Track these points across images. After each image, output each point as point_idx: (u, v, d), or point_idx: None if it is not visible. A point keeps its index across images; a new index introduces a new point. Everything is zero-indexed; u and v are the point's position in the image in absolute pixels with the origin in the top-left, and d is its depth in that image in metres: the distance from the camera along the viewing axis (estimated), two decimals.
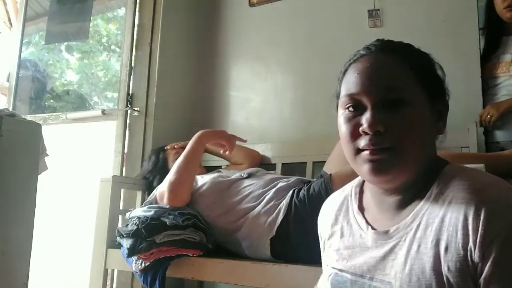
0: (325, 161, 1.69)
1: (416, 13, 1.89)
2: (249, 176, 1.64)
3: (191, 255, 1.45)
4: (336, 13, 2.08)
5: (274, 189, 1.50)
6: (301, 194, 1.42)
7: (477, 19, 1.76)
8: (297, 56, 2.17)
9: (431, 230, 0.61)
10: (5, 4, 3.30)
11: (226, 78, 2.36)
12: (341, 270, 0.73)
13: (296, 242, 1.36)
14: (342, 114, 0.70)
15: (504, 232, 0.54)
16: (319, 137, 1.96)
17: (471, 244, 0.56)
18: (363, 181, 0.78)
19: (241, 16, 2.35)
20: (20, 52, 2.63)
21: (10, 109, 1.89)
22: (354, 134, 0.66)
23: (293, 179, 1.56)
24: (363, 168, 0.65)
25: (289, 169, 1.95)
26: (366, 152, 0.65)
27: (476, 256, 0.55)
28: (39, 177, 1.28)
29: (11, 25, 3.26)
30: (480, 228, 0.55)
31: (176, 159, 1.62)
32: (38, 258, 1.39)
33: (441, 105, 0.70)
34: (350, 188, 0.81)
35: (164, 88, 2.18)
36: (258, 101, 2.25)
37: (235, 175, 1.65)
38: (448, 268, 0.57)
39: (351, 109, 0.68)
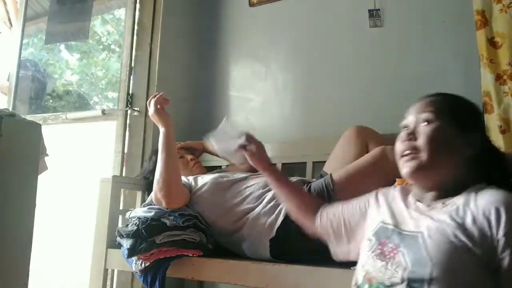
0: (325, 161, 1.69)
1: (416, 13, 1.88)
2: (250, 176, 1.63)
3: (191, 255, 1.45)
4: (336, 13, 2.08)
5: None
6: None
7: None
8: (297, 56, 2.17)
9: (465, 207, 0.79)
10: (5, 4, 3.29)
11: (226, 78, 2.36)
12: (387, 223, 0.91)
13: (296, 243, 1.36)
14: None
15: None
16: (319, 137, 1.96)
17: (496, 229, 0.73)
18: None
19: (241, 16, 2.35)
20: (20, 52, 2.63)
21: (10, 109, 1.89)
22: None
23: (294, 179, 1.56)
24: None
25: (289, 169, 1.94)
26: None
27: (500, 236, 0.72)
28: (39, 177, 1.27)
29: (11, 25, 3.26)
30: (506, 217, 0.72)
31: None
32: (38, 258, 1.39)
33: None
34: None
35: (164, 88, 2.17)
36: (258, 101, 2.25)
37: (235, 175, 1.65)
38: (473, 220, 0.75)
39: None
